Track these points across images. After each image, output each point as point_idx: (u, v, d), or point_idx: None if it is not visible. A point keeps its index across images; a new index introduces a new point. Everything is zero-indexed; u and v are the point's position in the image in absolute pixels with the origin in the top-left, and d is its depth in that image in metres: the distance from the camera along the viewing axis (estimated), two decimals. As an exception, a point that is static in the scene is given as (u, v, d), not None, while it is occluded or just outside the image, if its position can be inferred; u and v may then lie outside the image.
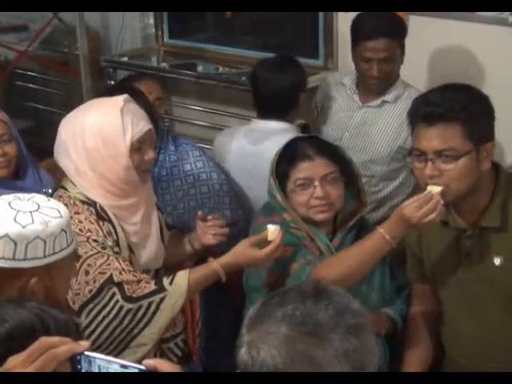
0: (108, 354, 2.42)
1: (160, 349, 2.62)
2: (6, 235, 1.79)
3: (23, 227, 1.80)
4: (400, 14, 3.73)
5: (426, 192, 2.24)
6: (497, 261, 2.34)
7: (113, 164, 2.47)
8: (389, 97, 3.41)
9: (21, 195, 1.91)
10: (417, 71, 3.90)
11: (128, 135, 2.45)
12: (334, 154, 2.66)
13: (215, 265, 2.48)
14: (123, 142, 2.45)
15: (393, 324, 2.64)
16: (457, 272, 2.43)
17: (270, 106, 3.37)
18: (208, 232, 2.73)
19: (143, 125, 2.49)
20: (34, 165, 3.01)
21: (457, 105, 2.24)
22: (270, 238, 2.47)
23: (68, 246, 1.89)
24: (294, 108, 3.40)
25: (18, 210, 1.83)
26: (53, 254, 1.84)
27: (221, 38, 4.67)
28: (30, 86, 5.33)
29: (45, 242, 1.82)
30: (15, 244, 1.79)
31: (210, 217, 2.75)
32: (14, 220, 1.81)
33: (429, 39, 3.85)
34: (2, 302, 1.59)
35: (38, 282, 1.82)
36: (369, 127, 3.44)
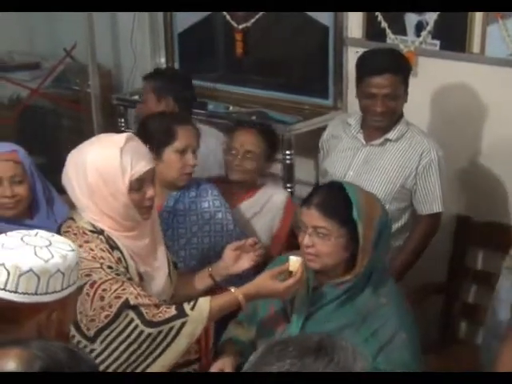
0: None
1: None
2: (30, 270, 1.81)
3: (46, 261, 1.82)
4: (409, 54, 3.78)
5: None
6: None
7: (112, 201, 2.49)
8: (391, 135, 3.41)
9: (25, 231, 1.93)
10: (424, 112, 3.92)
11: (127, 174, 2.46)
12: (340, 211, 2.57)
13: (237, 294, 2.51)
14: (122, 181, 2.46)
15: None
16: None
17: None
18: (240, 258, 2.78)
19: (143, 164, 2.50)
20: (50, 201, 3.01)
21: None
22: (291, 269, 2.52)
23: (78, 278, 1.92)
24: None
25: (35, 245, 1.85)
26: (68, 287, 1.87)
27: (231, 78, 4.70)
28: (42, 123, 5.37)
29: (63, 274, 1.85)
30: (38, 279, 1.81)
31: (247, 241, 2.82)
32: (35, 255, 1.83)
33: (437, 80, 3.88)
34: (29, 341, 1.59)
35: (56, 315, 1.85)
36: (372, 166, 3.44)
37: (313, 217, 2.59)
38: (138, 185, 2.49)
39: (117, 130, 4.50)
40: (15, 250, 1.84)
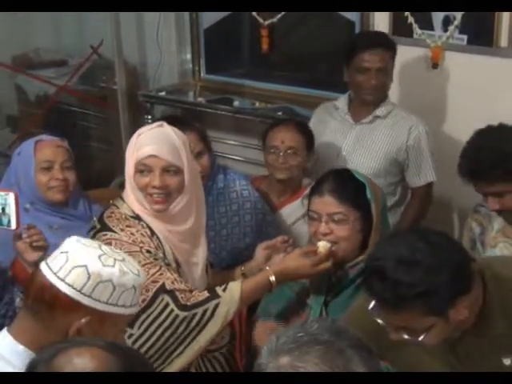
0: (160, 363, 2.47)
1: (203, 359, 2.64)
2: (85, 266, 1.82)
3: (103, 266, 1.83)
4: (436, 49, 3.76)
5: None
6: (507, 361, 2.14)
7: (129, 183, 2.56)
8: (380, 112, 3.56)
9: (115, 250, 1.96)
10: (451, 106, 3.91)
11: (134, 157, 2.52)
12: (353, 195, 2.62)
13: (268, 272, 2.55)
14: (132, 163, 2.53)
15: None
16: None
17: None
18: (271, 256, 2.79)
19: (148, 149, 2.50)
20: (83, 194, 3.12)
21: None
22: (319, 250, 2.57)
23: (130, 305, 1.89)
24: None
25: (105, 253, 1.87)
26: (113, 306, 1.85)
27: (257, 74, 4.71)
28: (69, 120, 5.40)
29: (114, 289, 1.83)
30: (88, 278, 1.82)
31: (277, 239, 2.82)
32: (98, 257, 1.85)
33: (465, 75, 3.85)
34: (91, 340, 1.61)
35: (89, 323, 1.83)
36: (362, 143, 3.57)
37: (327, 204, 2.61)
38: (142, 168, 2.50)
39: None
40: (85, 248, 1.87)
